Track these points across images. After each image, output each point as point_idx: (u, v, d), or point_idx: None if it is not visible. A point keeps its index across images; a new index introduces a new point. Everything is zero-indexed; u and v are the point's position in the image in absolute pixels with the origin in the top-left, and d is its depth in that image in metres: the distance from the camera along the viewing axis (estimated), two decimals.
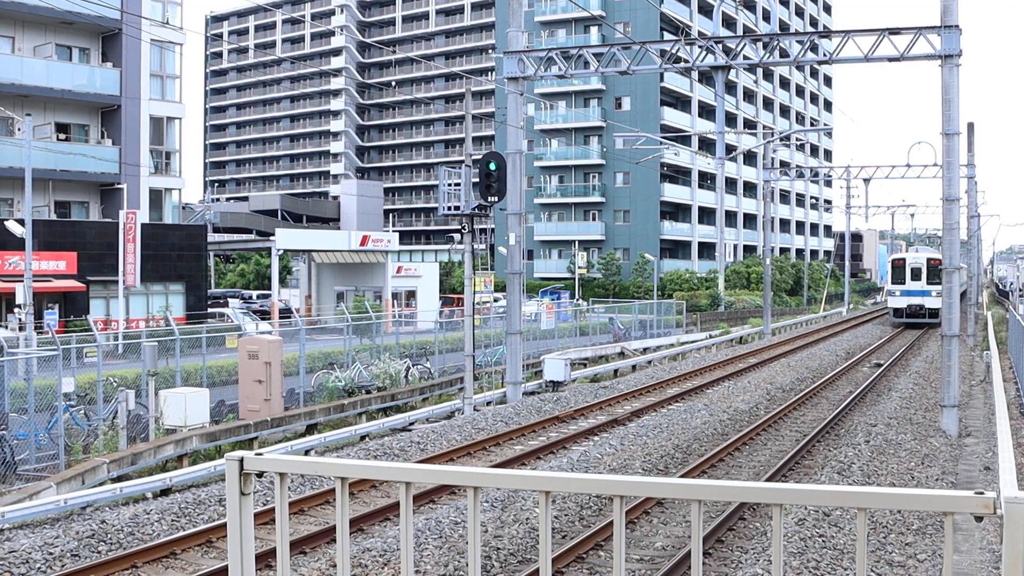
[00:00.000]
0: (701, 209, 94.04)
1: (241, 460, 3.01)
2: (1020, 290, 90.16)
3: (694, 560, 2.77)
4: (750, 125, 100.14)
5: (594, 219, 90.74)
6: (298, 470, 3.13)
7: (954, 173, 22.23)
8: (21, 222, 33.04)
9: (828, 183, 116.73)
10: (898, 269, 55.77)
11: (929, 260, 54.32)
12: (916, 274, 54.38)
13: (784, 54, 25.85)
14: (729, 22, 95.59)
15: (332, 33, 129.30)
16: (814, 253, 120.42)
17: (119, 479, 17.23)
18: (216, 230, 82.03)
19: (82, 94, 43.83)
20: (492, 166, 24.10)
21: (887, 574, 11.19)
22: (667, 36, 78.92)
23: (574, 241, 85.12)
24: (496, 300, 45.42)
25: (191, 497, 14.84)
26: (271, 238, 56.59)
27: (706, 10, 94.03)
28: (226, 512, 3.08)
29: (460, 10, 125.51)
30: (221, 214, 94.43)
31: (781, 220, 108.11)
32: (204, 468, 17.45)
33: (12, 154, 40.18)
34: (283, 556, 3.11)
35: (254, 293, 71.67)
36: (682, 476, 16.35)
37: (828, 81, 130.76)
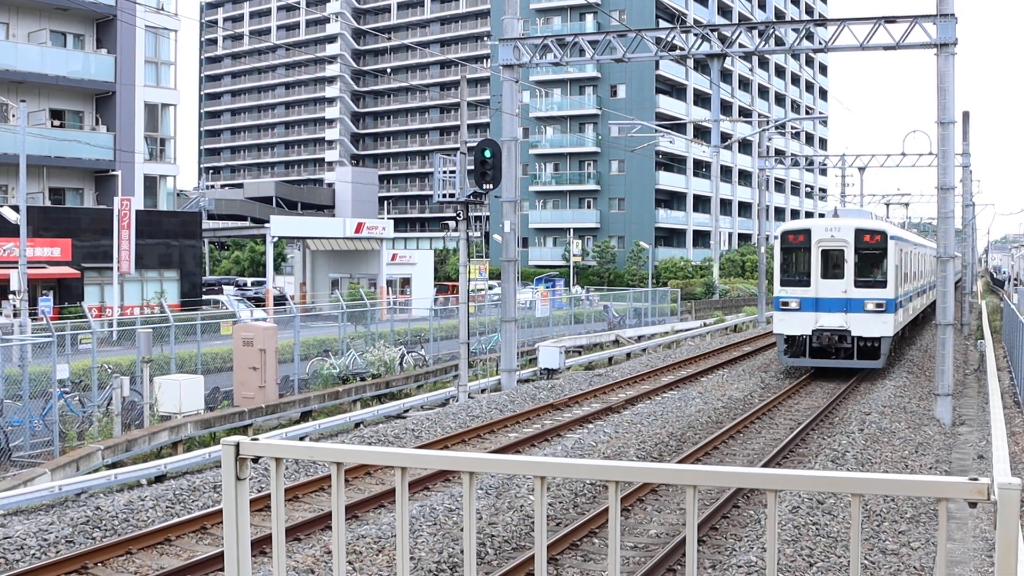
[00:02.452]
0: (696, 197, 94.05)
1: (237, 445, 3.02)
2: (1014, 279, 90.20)
3: (688, 546, 2.77)
4: (745, 113, 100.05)
5: (589, 207, 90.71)
6: (294, 455, 3.13)
7: (949, 162, 22.25)
8: (15, 208, 32.96)
9: (823, 171, 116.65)
10: (795, 254, 27.61)
11: (859, 234, 27.00)
12: (832, 264, 27.10)
13: (780, 42, 25.81)
14: (725, 10, 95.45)
15: (327, 20, 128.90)
16: None
17: (114, 466, 17.24)
18: (211, 217, 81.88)
19: (77, 80, 43.66)
20: (487, 153, 24.07)
21: (881, 562, 11.23)
22: (663, 24, 78.76)
23: (569, 229, 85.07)
24: (491, 288, 45.38)
25: (186, 484, 14.85)
26: (266, 225, 56.52)
27: None
28: (221, 499, 3.08)
29: None
30: (216, 201, 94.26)
31: (776, 208, 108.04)
32: (199, 455, 17.47)
33: (6, 140, 40.03)
34: (279, 541, 3.11)
35: (249, 280, 71.55)
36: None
37: (823, 69, 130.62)
